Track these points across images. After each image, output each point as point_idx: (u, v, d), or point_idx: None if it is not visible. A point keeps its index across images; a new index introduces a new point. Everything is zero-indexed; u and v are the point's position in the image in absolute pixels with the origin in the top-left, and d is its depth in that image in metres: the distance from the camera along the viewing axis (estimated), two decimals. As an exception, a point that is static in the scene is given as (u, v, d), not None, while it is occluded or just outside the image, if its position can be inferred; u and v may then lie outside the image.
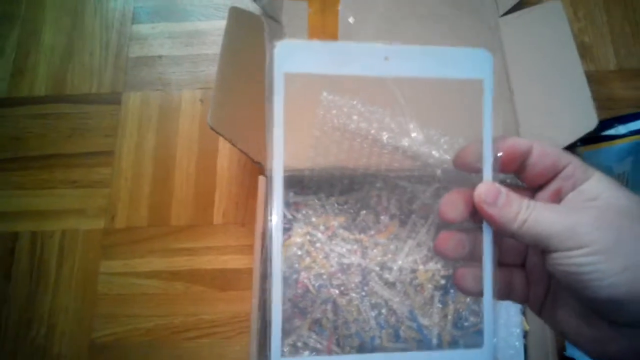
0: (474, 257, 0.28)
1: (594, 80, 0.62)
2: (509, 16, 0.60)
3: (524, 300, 0.30)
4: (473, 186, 0.27)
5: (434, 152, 0.48)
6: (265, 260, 0.51)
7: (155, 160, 0.64)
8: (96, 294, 0.59)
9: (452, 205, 0.27)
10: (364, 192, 0.53)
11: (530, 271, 0.30)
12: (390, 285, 0.50)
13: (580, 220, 0.24)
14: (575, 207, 0.26)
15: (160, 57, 0.68)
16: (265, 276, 0.53)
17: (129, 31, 0.70)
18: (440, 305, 0.48)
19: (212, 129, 0.47)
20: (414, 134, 0.47)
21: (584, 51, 0.64)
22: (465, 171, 0.28)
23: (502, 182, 0.27)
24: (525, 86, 0.55)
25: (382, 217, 0.52)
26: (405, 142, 0.49)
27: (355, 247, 0.51)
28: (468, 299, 0.49)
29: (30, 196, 0.64)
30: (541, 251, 0.26)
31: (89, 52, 0.69)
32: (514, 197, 0.26)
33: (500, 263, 0.29)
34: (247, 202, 0.61)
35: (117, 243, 0.61)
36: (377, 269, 0.50)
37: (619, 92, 0.62)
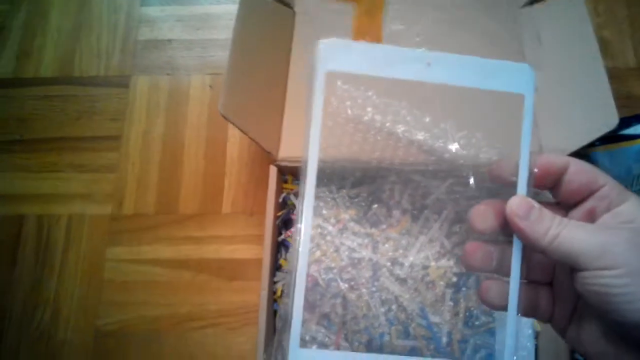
0: (501, 271, 0.28)
1: (613, 77, 0.61)
2: (529, 7, 0.59)
3: (548, 319, 0.30)
4: (503, 196, 0.28)
5: (450, 147, 0.47)
6: (276, 252, 0.51)
7: (163, 146, 0.63)
8: (102, 281, 0.59)
9: (483, 216, 0.28)
10: (376, 185, 0.52)
11: (557, 290, 0.30)
12: (401, 281, 0.49)
13: (613, 241, 0.24)
14: (608, 228, 0.26)
15: (169, 40, 0.67)
16: (275, 268, 0.53)
17: (137, 13, 0.69)
18: (452, 303, 0.48)
19: (223, 116, 0.46)
20: (430, 131, 0.46)
21: (603, 47, 0.63)
22: (499, 183, 0.29)
23: (536, 199, 0.27)
24: (544, 81, 0.54)
25: (394, 212, 0.51)
26: (420, 136, 0.48)
27: (366, 241, 0.50)
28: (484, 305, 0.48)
29: (36, 179, 0.63)
30: (570, 269, 0.26)
31: (96, 34, 0.68)
32: (547, 212, 0.26)
33: (527, 279, 0.29)
34: (257, 191, 0.60)
35: (124, 229, 0.60)
36: (388, 264, 0.49)
37: (637, 90, 0.61)
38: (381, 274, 0.49)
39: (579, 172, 0.27)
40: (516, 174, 0.28)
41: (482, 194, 0.50)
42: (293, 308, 0.29)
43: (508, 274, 0.28)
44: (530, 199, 0.27)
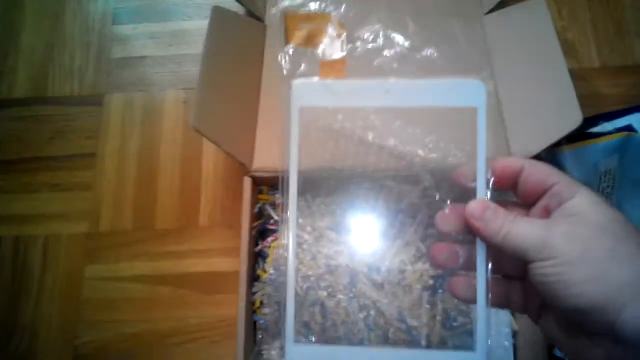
0: (470, 268, 0.31)
1: (578, 77, 0.62)
2: (493, 14, 0.60)
3: (523, 311, 0.32)
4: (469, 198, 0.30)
5: (419, 152, 0.48)
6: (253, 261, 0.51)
7: (139, 162, 0.63)
8: (80, 300, 0.58)
9: (446, 220, 0.31)
10: (350, 192, 0.52)
11: (528, 283, 0.31)
12: (379, 286, 0.49)
13: (551, 234, 0.26)
14: (551, 222, 0.27)
15: (142, 57, 0.67)
16: (253, 279, 0.53)
17: (110, 32, 0.69)
18: (429, 306, 0.48)
19: (194, 129, 0.46)
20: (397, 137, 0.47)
21: (568, 49, 0.64)
22: (461, 189, 0.31)
23: (499, 201, 0.30)
24: (510, 84, 0.55)
25: (369, 217, 0.52)
26: (390, 142, 0.49)
27: (342, 248, 0.51)
28: (457, 300, 0.49)
29: (12, 200, 0.63)
30: (524, 263, 0.27)
31: (69, 53, 0.68)
32: (501, 212, 0.29)
33: (501, 274, 0.32)
34: (233, 203, 0.60)
35: (101, 247, 0.60)
36: (365, 269, 0.50)
37: (603, 90, 0.62)
38: (358, 279, 0.49)
39: (533, 173, 0.29)
40: (475, 180, 0.30)
41: (454, 196, 0.51)
42: (286, 306, 0.32)
43: (475, 270, 0.30)
44: (486, 201, 0.30)
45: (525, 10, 0.57)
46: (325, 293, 0.49)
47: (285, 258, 0.33)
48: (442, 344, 0.49)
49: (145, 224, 0.60)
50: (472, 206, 0.29)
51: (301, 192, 0.53)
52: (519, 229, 0.27)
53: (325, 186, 0.53)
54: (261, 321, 0.52)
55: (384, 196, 0.51)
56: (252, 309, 0.52)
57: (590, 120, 0.55)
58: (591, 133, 0.54)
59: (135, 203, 0.61)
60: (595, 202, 0.27)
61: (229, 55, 0.54)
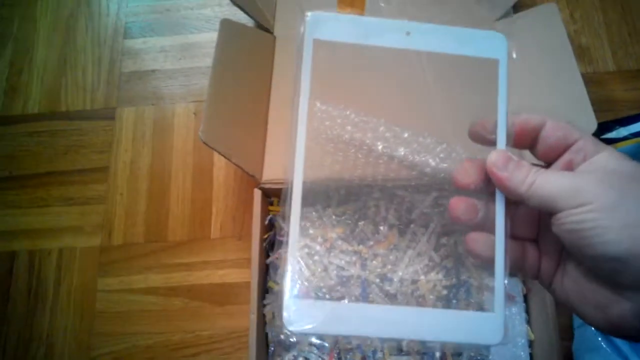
0: (486, 227, 0.29)
1: (593, 82, 0.62)
2: (505, 20, 0.59)
3: (534, 274, 0.31)
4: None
5: (430, 161, 0.48)
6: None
7: (150, 175, 0.63)
8: (94, 312, 0.59)
9: (465, 172, 0.29)
10: (361, 202, 0.52)
11: (542, 244, 0.31)
12: (391, 297, 0.49)
13: (584, 181, 0.25)
14: (581, 171, 0.27)
15: (153, 71, 0.68)
16: (265, 290, 0.53)
17: (121, 46, 0.70)
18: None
19: (204, 142, 0.46)
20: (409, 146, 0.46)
21: (582, 53, 0.64)
22: (479, 143, 0.30)
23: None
24: (522, 90, 0.54)
25: (380, 228, 0.51)
26: (401, 152, 0.48)
27: (354, 258, 0.50)
28: (472, 309, 0.48)
29: (27, 215, 0.64)
30: (549, 215, 0.26)
31: (81, 68, 0.69)
32: (524, 163, 0.28)
33: (513, 237, 0.30)
34: (244, 215, 0.60)
35: (114, 260, 0.61)
36: (377, 280, 0.49)
37: (618, 94, 0.61)
38: (370, 290, 0.49)
39: (555, 128, 0.28)
40: (495, 132, 0.29)
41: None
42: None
43: (493, 231, 0.29)
44: (508, 152, 0.28)
45: (536, 15, 0.56)
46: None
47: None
48: (457, 355, 0.48)
49: (157, 237, 0.61)
50: (495, 156, 0.28)
51: (312, 203, 0.54)
52: (547, 178, 0.26)
53: (336, 197, 0.52)
54: (273, 334, 0.51)
55: (395, 206, 0.51)
56: (263, 322, 0.52)
57: (605, 126, 0.54)
58: (606, 139, 0.53)
59: (148, 216, 0.62)
60: (622, 156, 0.26)
61: (238, 67, 0.54)
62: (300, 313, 0.28)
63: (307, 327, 0.28)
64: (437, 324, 0.28)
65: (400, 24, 0.30)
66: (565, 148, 0.28)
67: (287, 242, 0.31)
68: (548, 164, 0.30)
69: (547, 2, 0.55)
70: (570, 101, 0.49)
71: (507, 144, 0.29)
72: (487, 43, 0.31)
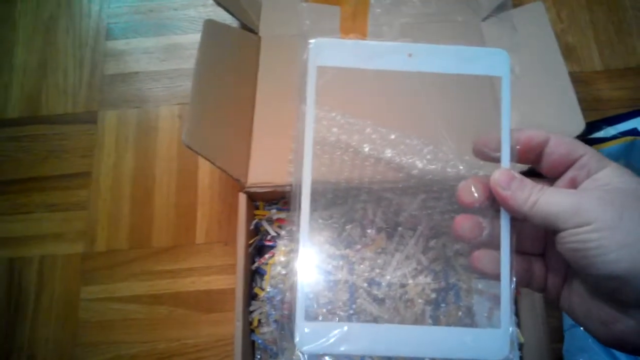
0: (492, 245, 0.29)
1: (580, 81, 0.61)
2: (491, 19, 0.59)
3: (541, 289, 0.31)
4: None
5: (417, 163, 0.47)
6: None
7: (134, 180, 0.62)
8: (77, 322, 0.57)
9: (469, 190, 0.29)
10: (348, 205, 0.51)
11: (549, 260, 0.31)
12: (380, 301, 0.48)
13: (585, 200, 0.25)
14: (583, 190, 0.27)
15: (136, 73, 0.67)
16: (251, 297, 0.52)
17: (103, 48, 0.68)
18: (431, 321, 0.46)
19: (187, 146, 0.45)
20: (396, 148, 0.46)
21: (569, 52, 0.63)
22: (483, 160, 0.30)
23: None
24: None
25: (368, 231, 0.50)
26: (387, 154, 0.48)
27: (341, 262, 0.49)
28: (460, 313, 0.47)
29: (7, 222, 0.62)
30: (553, 233, 0.27)
31: (62, 71, 0.68)
32: (527, 181, 0.28)
33: (519, 252, 0.30)
34: (230, 219, 0.59)
35: (97, 267, 0.59)
36: (365, 285, 0.48)
37: (605, 93, 0.61)
38: (358, 295, 0.48)
39: (559, 144, 0.28)
40: (499, 150, 0.29)
41: (456, 207, 0.49)
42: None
43: (498, 247, 0.29)
44: (511, 171, 0.28)
45: (523, 14, 0.55)
46: (324, 310, 0.48)
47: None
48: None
49: (141, 243, 0.59)
50: (498, 175, 0.28)
51: (296, 207, 0.53)
52: (549, 197, 0.26)
53: (323, 200, 0.51)
54: (259, 341, 0.50)
55: (383, 209, 0.50)
56: (249, 329, 0.51)
57: (593, 125, 0.53)
58: (595, 138, 0.52)
59: (131, 221, 0.60)
60: (626, 172, 0.27)
61: (222, 69, 0.53)
62: (312, 334, 0.29)
63: (319, 347, 0.28)
64: (445, 341, 0.29)
65: (402, 46, 0.31)
66: (570, 164, 0.28)
67: (295, 263, 0.31)
68: (551, 178, 0.30)
69: (534, 1, 0.55)
70: (558, 101, 0.48)
71: (511, 160, 0.29)
72: (489, 60, 0.31)
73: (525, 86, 0.52)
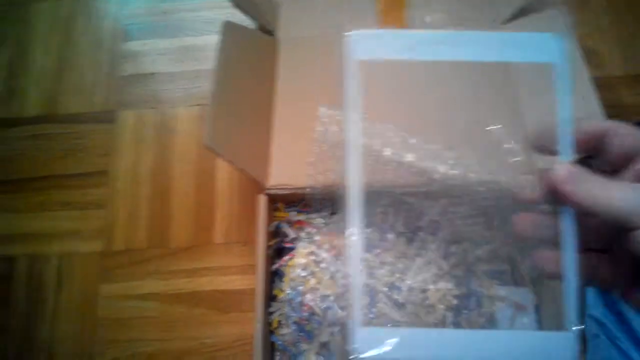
0: (554, 242, 0.28)
1: (601, 86, 0.61)
2: (510, 25, 0.59)
3: (609, 286, 0.29)
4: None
5: (439, 167, 0.47)
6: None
7: (152, 179, 0.62)
8: (96, 319, 0.58)
9: (531, 185, 0.28)
10: (368, 209, 0.51)
11: (616, 256, 0.29)
12: (400, 306, 0.48)
13: None
14: None
15: (153, 74, 0.67)
16: (270, 298, 0.52)
17: (120, 49, 0.69)
18: (453, 327, 0.46)
19: (207, 148, 0.45)
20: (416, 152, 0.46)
21: (589, 57, 0.63)
22: (542, 153, 0.29)
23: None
24: (529, 96, 0.54)
25: (388, 235, 0.50)
26: (409, 158, 0.48)
27: (361, 266, 0.49)
28: (483, 319, 0.47)
29: (26, 219, 0.63)
30: (623, 230, 0.25)
31: (80, 71, 0.68)
32: (589, 176, 0.26)
33: (584, 248, 0.28)
34: (250, 220, 0.60)
35: (116, 265, 0.60)
36: (385, 289, 0.48)
37: (627, 99, 0.61)
38: (378, 299, 0.48)
39: (622, 135, 0.27)
40: (558, 142, 0.27)
41: (478, 213, 0.49)
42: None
43: (560, 246, 0.28)
44: (572, 164, 0.27)
45: (542, 19, 0.55)
46: (344, 313, 0.48)
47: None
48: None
49: (159, 242, 0.60)
50: (559, 169, 0.26)
51: (319, 209, 0.53)
52: (616, 193, 0.25)
53: (343, 203, 0.51)
54: (279, 342, 0.51)
55: (404, 213, 0.50)
56: (269, 330, 0.51)
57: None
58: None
59: (149, 221, 0.61)
60: None
61: (241, 70, 0.53)
62: (369, 341, 0.28)
63: (378, 354, 0.27)
64: (510, 345, 0.28)
65: (447, 36, 0.29)
66: (634, 156, 0.27)
67: (348, 270, 0.31)
68: (613, 170, 0.28)
69: (554, 6, 0.55)
70: (580, 106, 0.48)
71: (570, 153, 0.27)
72: (541, 46, 0.29)
73: (546, 92, 0.53)
